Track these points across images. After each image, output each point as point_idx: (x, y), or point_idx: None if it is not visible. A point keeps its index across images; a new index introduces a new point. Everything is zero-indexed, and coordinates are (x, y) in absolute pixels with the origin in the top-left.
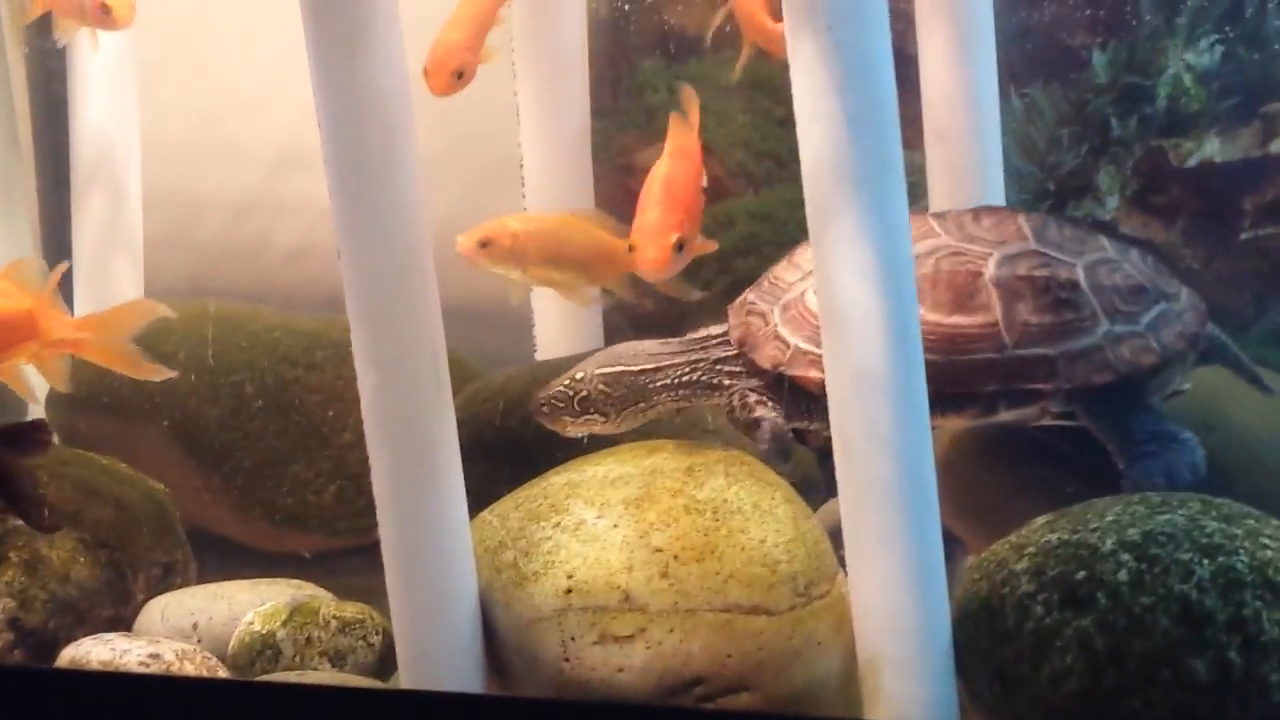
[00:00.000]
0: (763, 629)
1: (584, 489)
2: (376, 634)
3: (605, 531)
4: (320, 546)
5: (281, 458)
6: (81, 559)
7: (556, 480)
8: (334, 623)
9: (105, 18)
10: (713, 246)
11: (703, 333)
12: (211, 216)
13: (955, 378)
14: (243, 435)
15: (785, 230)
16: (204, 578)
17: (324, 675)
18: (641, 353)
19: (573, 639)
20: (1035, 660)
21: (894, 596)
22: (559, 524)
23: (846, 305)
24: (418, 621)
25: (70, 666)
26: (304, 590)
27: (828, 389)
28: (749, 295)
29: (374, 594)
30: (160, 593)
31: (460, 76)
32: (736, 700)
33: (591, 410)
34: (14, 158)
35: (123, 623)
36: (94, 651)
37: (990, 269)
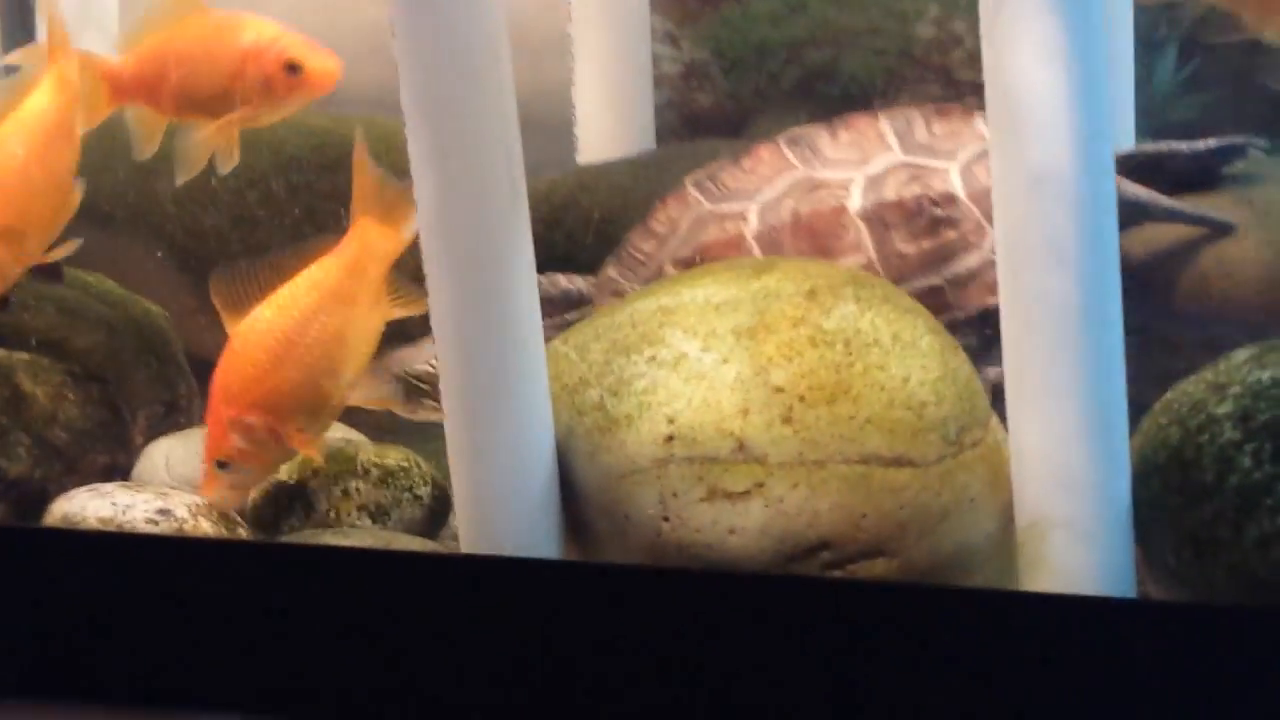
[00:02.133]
0: (906, 484)
1: (681, 315)
2: (425, 484)
3: (713, 367)
4: None
5: None
6: (70, 396)
7: (644, 305)
8: (374, 471)
9: None
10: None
11: (574, 315)
12: None
13: None
14: (244, 249)
15: (865, 15)
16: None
17: (366, 535)
18: None
19: (674, 495)
20: (1239, 522)
21: (1067, 446)
22: (654, 358)
23: (1023, 90)
24: (483, 473)
25: (63, 524)
26: (332, 432)
27: (994, 192)
28: (610, 270)
29: (401, 438)
30: (162, 434)
31: None
32: (870, 567)
33: None
34: None
35: (119, 471)
36: (90, 506)
37: (855, 199)
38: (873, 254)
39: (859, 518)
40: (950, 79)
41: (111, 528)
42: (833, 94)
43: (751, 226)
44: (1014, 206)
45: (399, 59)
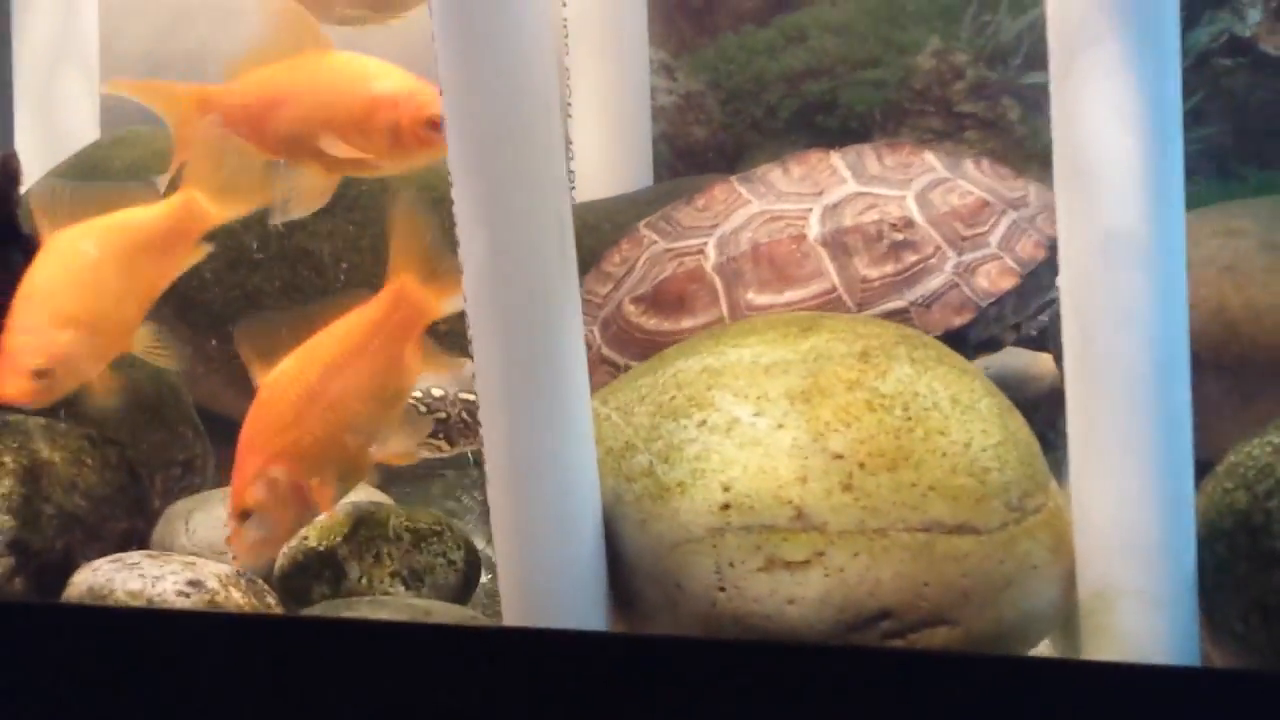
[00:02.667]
0: (968, 551)
1: (730, 378)
2: (458, 548)
3: (768, 433)
4: None
5: None
6: (88, 460)
7: (688, 365)
8: (407, 537)
9: None
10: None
11: None
12: (142, 22)
13: None
14: (242, 293)
15: (864, 46)
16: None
17: (402, 605)
18: None
19: (731, 565)
20: None
21: (1136, 512)
22: (704, 422)
23: (1097, 152)
24: (528, 540)
25: (89, 598)
26: (359, 494)
27: (1061, 252)
28: None
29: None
30: (179, 497)
31: None
32: (932, 636)
33: (439, 435)
34: None
35: (137, 537)
36: (118, 579)
37: (814, 228)
38: (836, 279)
39: (921, 586)
40: (951, 111)
41: (141, 601)
42: (831, 126)
43: (710, 260)
44: (1083, 267)
45: (447, 119)
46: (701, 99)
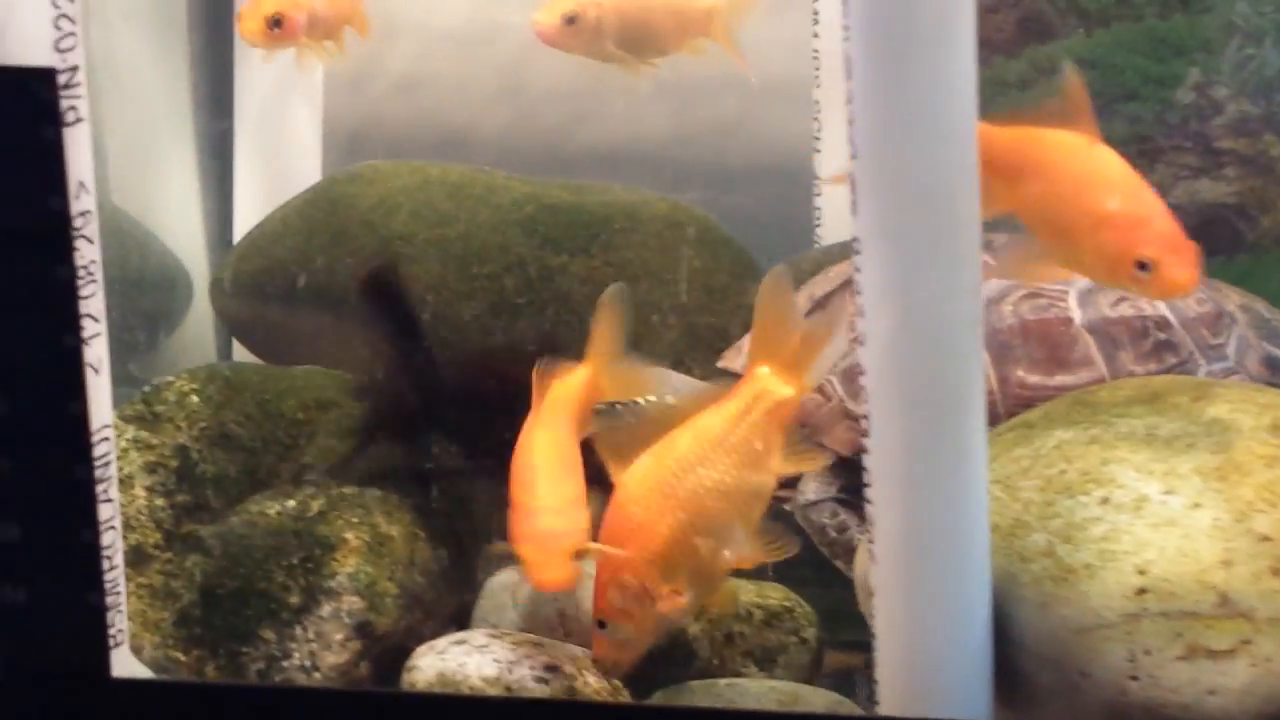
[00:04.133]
0: None
1: (1125, 451)
2: (810, 625)
3: (1184, 513)
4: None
5: None
6: (421, 533)
7: (1071, 436)
8: (758, 614)
9: None
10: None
11: None
12: None
13: None
14: (507, 339)
15: (1120, 79)
16: None
17: (765, 690)
18: None
19: (1147, 653)
20: None
21: None
22: (1107, 500)
23: None
24: (917, 624)
25: (439, 685)
26: None
27: None
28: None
29: None
30: (497, 569)
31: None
32: None
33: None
34: None
35: (465, 614)
36: (471, 664)
37: (1076, 311)
38: (1104, 370)
39: None
40: (1209, 148)
41: (498, 689)
42: None
43: None
44: None
45: (858, 184)
46: None
